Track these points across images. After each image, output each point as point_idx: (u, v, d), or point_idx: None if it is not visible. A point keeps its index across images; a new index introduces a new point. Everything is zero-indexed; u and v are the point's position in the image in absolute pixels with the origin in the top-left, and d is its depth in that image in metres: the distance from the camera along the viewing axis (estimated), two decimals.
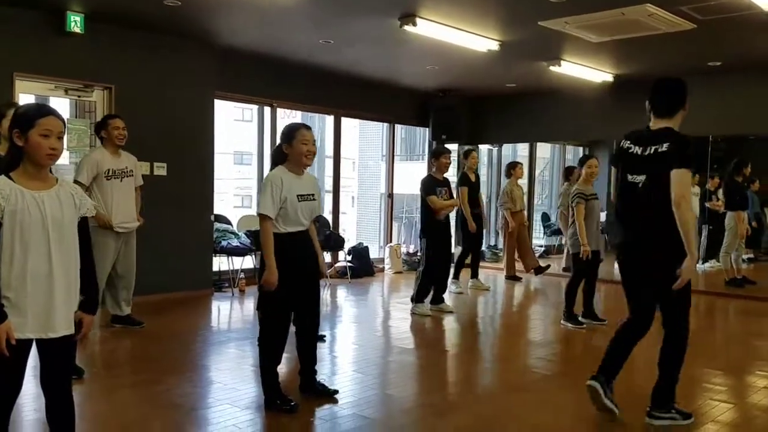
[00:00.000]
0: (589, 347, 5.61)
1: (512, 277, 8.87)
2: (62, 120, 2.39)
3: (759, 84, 7.66)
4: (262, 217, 3.59)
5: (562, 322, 6.07)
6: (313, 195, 3.73)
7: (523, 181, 9.42)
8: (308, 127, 3.73)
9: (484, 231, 9.05)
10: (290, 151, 3.66)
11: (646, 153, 3.41)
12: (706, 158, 8.97)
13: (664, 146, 3.34)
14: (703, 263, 9.50)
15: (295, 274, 3.64)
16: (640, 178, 3.40)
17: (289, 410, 3.65)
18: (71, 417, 2.49)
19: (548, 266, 9.04)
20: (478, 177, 8.12)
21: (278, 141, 5.06)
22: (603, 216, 6.70)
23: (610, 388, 3.59)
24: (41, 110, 2.36)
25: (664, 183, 3.27)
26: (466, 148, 9.12)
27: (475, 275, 8.19)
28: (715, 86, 8.03)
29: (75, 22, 5.91)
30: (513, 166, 8.72)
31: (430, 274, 6.44)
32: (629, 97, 8.64)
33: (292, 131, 3.66)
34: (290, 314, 3.78)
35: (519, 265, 9.03)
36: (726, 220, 8.22)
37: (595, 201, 5.97)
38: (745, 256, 9.05)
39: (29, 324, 2.30)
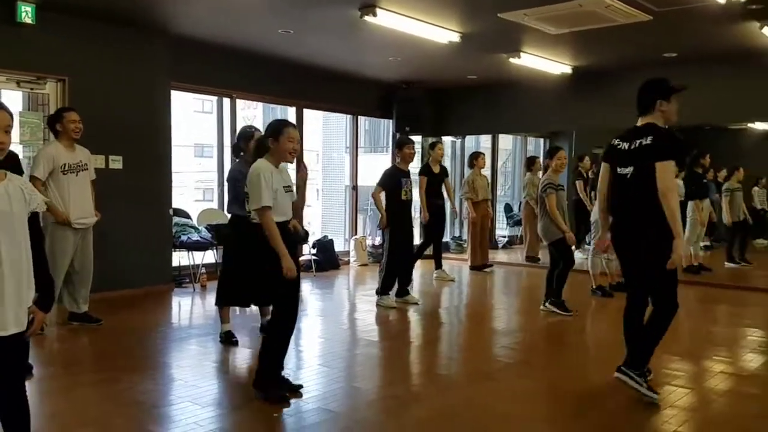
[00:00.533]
0: (552, 335, 5.70)
1: (477, 267, 8.92)
2: (8, 112, 2.32)
3: (715, 75, 7.83)
4: (264, 210, 3.60)
5: (544, 306, 6.17)
6: (291, 186, 3.85)
7: (486, 172, 9.49)
8: (295, 126, 3.85)
9: (447, 222, 9.11)
10: (275, 146, 3.72)
11: (632, 147, 3.73)
12: None
13: (648, 140, 3.66)
14: None
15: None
16: (628, 170, 3.73)
17: (279, 400, 3.68)
18: (26, 416, 2.41)
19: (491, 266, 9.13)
20: (444, 169, 8.09)
21: (246, 129, 5.04)
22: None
23: (644, 376, 3.79)
24: None
25: (649, 174, 3.58)
26: (432, 139, 9.14)
27: (438, 266, 8.23)
28: (671, 77, 8.12)
29: (26, 12, 5.72)
30: (476, 156, 8.77)
31: (393, 266, 6.44)
32: (588, 89, 8.85)
33: (280, 128, 3.74)
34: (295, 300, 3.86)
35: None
36: (687, 210, 8.36)
37: (562, 191, 6.10)
38: (702, 244, 9.28)
39: None
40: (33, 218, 2.37)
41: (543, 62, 7.95)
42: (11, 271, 2.27)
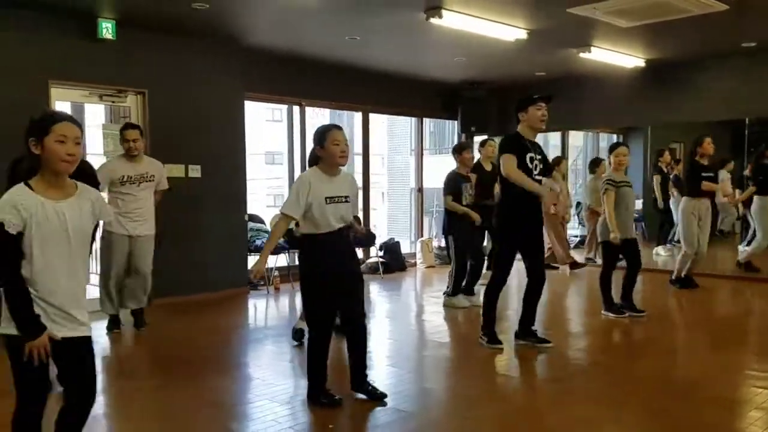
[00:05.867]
0: (625, 337, 5.54)
1: (576, 266, 8.74)
2: (78, 125, 2.37)
3: None
4: (282, 215, 3.65)
5: (602, 312, 5.99)
6: (345, 197, 3.70)
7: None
8: (339, 128, 3.71)
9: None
10: (323, 154, 3.64)
11: None
12: (742, 141, 8.76)
13: None
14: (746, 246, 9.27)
15: (334, 273, 3.63)
16: None
17: (331, 404, 3.69)
18: (86, 417, 2.48)
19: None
20: (496, 167, 7.93)
21: (309, 140, 5.15)
22: (639, 204, 6.67)
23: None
24: (55, 117, 2.36)
25: None
26: (483, 138, 9.00)
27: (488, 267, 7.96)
28: (750, 67, 7.84)
29: (107, 29, 6.02)
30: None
31: (463, 269, 6.42)
32: (662, 82, 8.58)
33: (323, 133, 3.65)
34: (334, 313, 3.79)
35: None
36: (753, 206, 7.88)
37: (626, 188, 5.85)
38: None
39: (58, 326, 2.34)
40: (95, 227, 2.51)
41: (614, 56, 7.74)
42: (80, 278, 2.41)
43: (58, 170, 2.31)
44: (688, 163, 6.99)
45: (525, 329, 5.00)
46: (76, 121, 2.39)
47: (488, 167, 7.58)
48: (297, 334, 5.07)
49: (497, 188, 7.75)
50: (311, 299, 3.68)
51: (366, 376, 3.85)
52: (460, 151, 6.53)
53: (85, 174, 3.53)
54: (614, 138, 11.71)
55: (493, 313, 4.93)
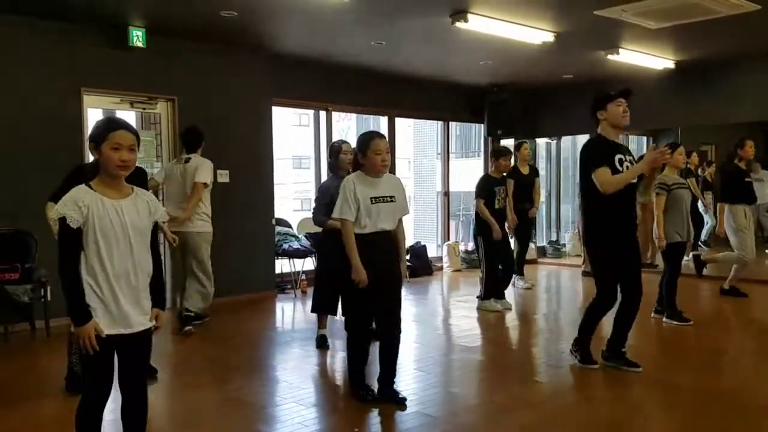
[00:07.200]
0: (656, 344, 5.46)
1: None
2: (134, 132, 2.50)
3: None
4: (342, 222, 3.68)
5: (664, 319, 5.78)
6: (392, 197, 3.75)
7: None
8: (382, 136, 3.79)
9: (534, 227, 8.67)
10: (365, 161, 3.72)
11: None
12: None
13: None
14: None
15: (373, 275, 3.65)
16: None
17: (373, 399, 3.77)
18: (144, 413, 2.62)
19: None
20: (534, 169, 7.87)
21: (333, 144, 5.19)
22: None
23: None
24: (111, 124, 2.48)
25: None
26: (518, 141, 8.94)
27: (520, 273, 7.78)
28: None
29: (137, 37, 6.14)
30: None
31: (494, 272, 6.40)
32: (693, 83, 8.45)
33: (365, 142, 3.72)
34: (372, 314, 3.84)
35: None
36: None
37: (681, 190, 5.68)
38: None
39: (114, 322, 2.45)
40: (154, 227, 2.59)
41: (643, 57, 7.64)
42: (140, 276, 2.51)
43: (113, 175, 2.46)
44: (729, 168, 6.70)
45: (614, 351, 4.44)
46: (132, 128, 2.53)
47: (525, 170, 7.54)
48: (320, 341, 5.16)
49: (537, 194, 7.67)
50: (351, 300, 3.71)
51: (393, 384, 3.87)
52: (497, 156, 6.45)
53: (139, 178, 3.65)
54: (644, 140, 11.56)
55: (591, 335, 4.49)
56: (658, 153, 4.15)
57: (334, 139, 8.34)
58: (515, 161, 7.54)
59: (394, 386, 3.87)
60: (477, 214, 6.46)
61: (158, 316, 2.62)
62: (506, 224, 6.66)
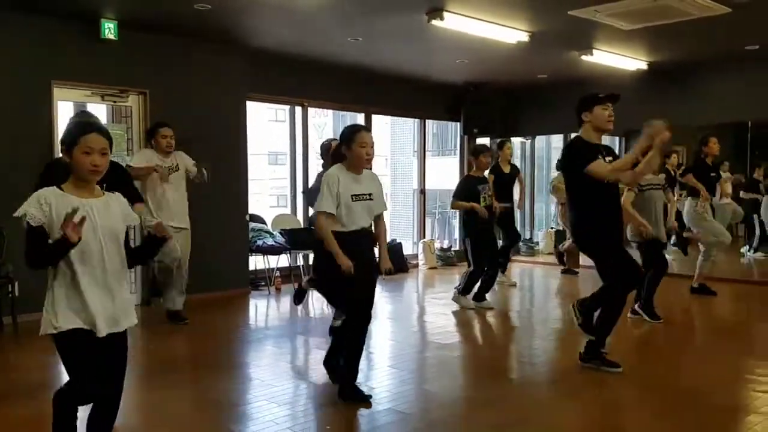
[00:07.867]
0: (633, 341, 5.53)
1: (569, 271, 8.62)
2: (106, 136, 2.45)
3: None
4: (319, 215, 3.65)
5: (632, 313, 5.84)
6: (370, 194, 3.74)
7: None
8: (368, 129, 3.77)
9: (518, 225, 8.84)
10: (349, 154, 3.68)
11: None
12: (745, 144, 8.75)
13: None
14: (753, 252, 9.26)
15: (355, 266, 3.61)
16: None
17: (362, 400, 3.73)
18: (113, 417, 2.61)
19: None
20: (514, 167, 7.95)
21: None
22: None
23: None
24: (84, 128, 2.43)
25: None
26: (499, 139, 9.00)
27: (503, 270, 7.83)
28: (753, 70, 7.83)
29: (109, 29, 6.04)
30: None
31: (479, 273, 6.42)
32: (665, 84, 8.56)
33: (351, 134, 3.67)
34: (371, 297, 3.83)
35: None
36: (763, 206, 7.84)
37: (653, 191, 5.76)
38: None
39: (94, 321, 2.43)
40: (127, 232, 2.60)
41: (616, 58, 7.74)
42: (115, 277, 2.49)
43: (84, 179, 2.44)
44: (694, 162, 6.86)
45: (593, 352, 4.35)
46: (104, 131, 2.48)
47: (506, 169, 7.63)
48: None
49: (516, 191, 7.76)
50: (348, 284, 3.64)
51: (354, 380, 3.83)
52: (477, 154, 6.46)
53: (117, 175, 3.60)
54: (616, 140, 11.69)
55: (609, 334, 4.36)
56: (656, 126, 4.24)
57: (310, 135, 8.34)
58: (498, 160, 7.63)
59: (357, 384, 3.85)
60: (463, 218, 6.46)
61: (158, 224, 2.69)
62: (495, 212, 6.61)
